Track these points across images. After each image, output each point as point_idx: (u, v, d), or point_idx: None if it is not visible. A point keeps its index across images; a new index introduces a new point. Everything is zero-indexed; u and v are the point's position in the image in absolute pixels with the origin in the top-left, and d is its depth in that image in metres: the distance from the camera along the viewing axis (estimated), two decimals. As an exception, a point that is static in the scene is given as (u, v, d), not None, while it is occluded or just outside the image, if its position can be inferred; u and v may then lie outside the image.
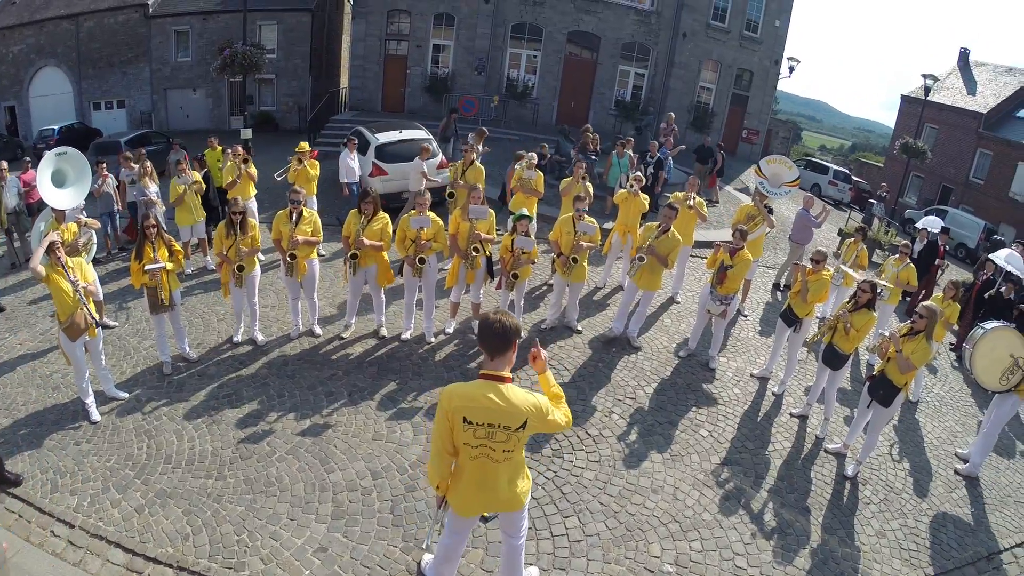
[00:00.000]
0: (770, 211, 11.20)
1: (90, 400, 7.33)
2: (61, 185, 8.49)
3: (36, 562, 5.55)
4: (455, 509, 4.50)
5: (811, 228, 12.33)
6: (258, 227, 8.68)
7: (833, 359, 7.91)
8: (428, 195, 8.70)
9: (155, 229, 7.69)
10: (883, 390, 7.16)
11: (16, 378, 8.08)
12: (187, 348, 8.54)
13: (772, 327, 11.01)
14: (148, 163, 11.78)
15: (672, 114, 20.42)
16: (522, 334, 4.21)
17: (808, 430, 8.38)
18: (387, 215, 8.67)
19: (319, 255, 11.71)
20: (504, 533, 4.86)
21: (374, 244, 8.40)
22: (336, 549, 5.81)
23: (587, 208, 9.17)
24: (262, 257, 11.67)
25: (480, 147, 14.21)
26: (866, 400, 7.49)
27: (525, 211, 9.20)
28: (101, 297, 9.14)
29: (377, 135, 14.83)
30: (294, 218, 8.37)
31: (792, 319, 8.69)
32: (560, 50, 27.07)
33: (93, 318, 6.92)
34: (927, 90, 29.36)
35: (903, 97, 39.75)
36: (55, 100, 28.15)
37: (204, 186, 11.42)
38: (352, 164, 13.19)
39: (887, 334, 7.24)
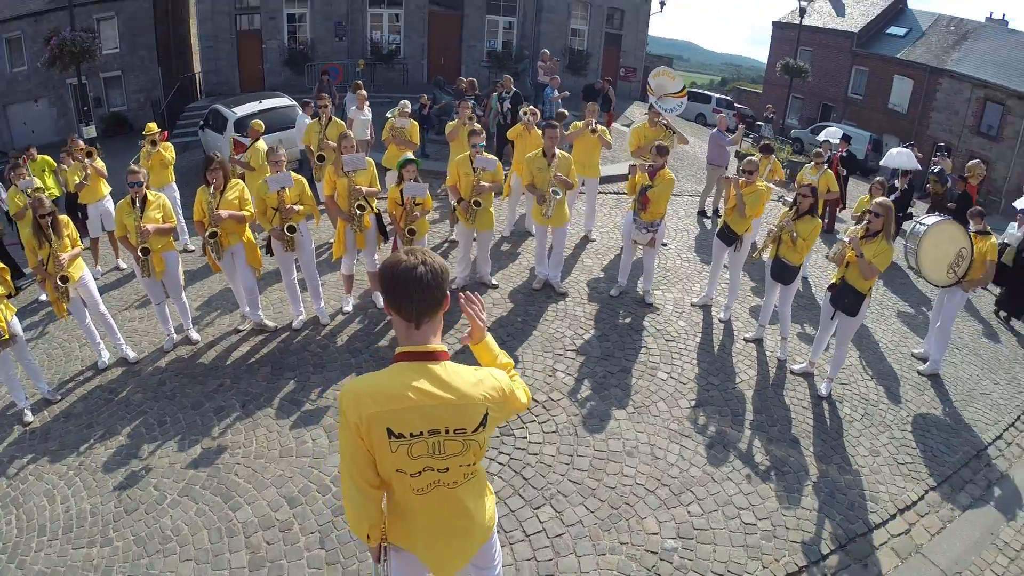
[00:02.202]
0: (671, 130, 10.44)
1: None
2: None
3: None
4: (432, 569, 3.03)
5: (726, 148, 12.00)
6: (72, 225, 7.19)
7: (783, 273, 7.24)
8: (282, 151, 7.35)
9: None
10: (847, 298, 6.58)
11: None
12: (46, 388, 7.14)
13: (699, 253, 10.45)
14: None
15: (546, 51, 19.58)
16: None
17: (767, 353, 7.67)
18: (240, 181, 7.35)
19: (187, 249, 10.39)
20: (475, 568, 3.26)
21: (234, 214, 7.07)
22: (262, 608, 4.58)
23: (483, 143, 8.02)
24: (125, 265, 10.25)
25: (363, 106, 12.70)
26: (829, 312, 6.89)
27: (411, 155, 7.95)
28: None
29: (234, 109, 13.34)
30: (137, 205, 6.93)
31: (731, 237, 7.89)
32: (423, 6, 25.67)
33: None
34: (803, 11, 29.85)
35: (775, 24, 40.51)
36: None
37: (53, 192, 9.72)
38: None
39: (846, 239, 6.62)
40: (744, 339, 7.91)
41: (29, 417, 6.86)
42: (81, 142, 10.13)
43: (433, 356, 2.63)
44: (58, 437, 6.57)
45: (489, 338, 3.05)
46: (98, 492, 5.78)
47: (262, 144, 9.81)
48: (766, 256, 7.50)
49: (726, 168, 12.05)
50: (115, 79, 26.98)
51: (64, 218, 7.01)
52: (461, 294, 3.00)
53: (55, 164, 11.04)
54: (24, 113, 26.66)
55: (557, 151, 7.99)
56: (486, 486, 3.09)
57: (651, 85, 11.85)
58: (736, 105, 33.48)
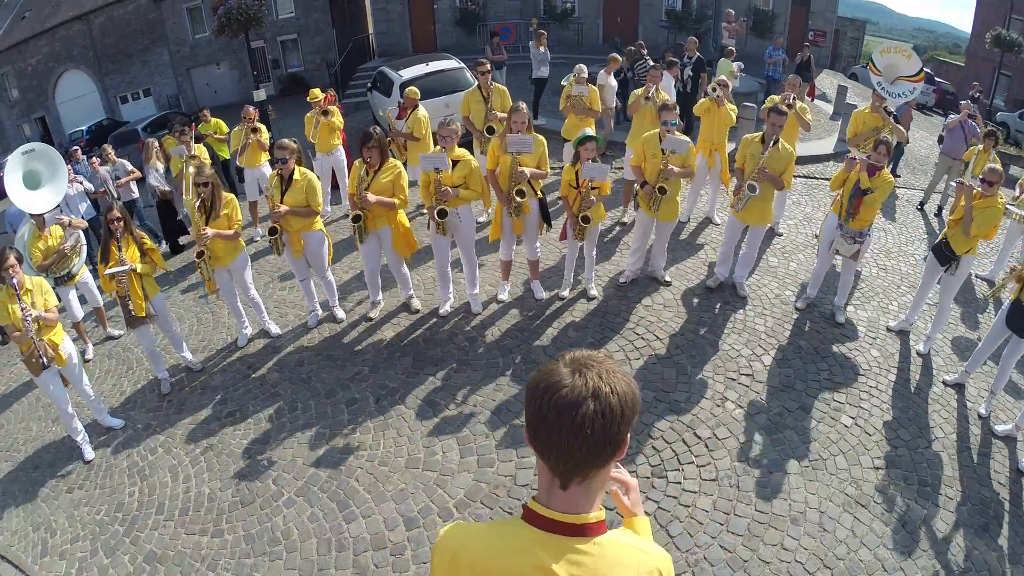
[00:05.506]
0: (894, 118, 8.69)
1: (80, 438, 6.21)
2: (36, 187, 7.22)
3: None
4: None
5: (963, 137, 10.31)
6: (236, 201, 6.81)
7: (1021, 321, 5.72)
8: (456, 125, 6.61)
9: (121, 223, 6.21)
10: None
11: (19, 412, 7.15)
12: (188, 356, 7.11)
13: (897, 260, 8.85)
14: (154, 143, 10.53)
15: (731, 11, 18.22)
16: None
17: (969, 405, 6.25)
18: (398, 163, 6.66)
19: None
20: None
21: (382, 200, 6.46)
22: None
23: (676, 121, 6.98)
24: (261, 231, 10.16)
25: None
26: None
27: (590, 131, 7.06)
28: (103, 302, 8.18)
29: (400, 72, 13.03)
30: (283, 182, 6.59)
31: (948, 256, 6.47)
32: (600, -39, 24.42)
33: (44, 352, 5.68)
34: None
35: (982, -14, 34.99)
36: (82, 102, 27.77)
37: (206, 160, 9.74)
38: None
39: None
40: (944, 382, 6.54)
41: (167, 388, 6.90)
42: (251, 110, 9.94)
43: (580, 531, 1.57)
44: (192, 410, 6.52)
45: (644, 519, 2.00)
46: (219, 477, 5.67)
47: (423, 111, 9.28)
48: (1006, 295, 6.06)
49: (963, 162, 10.26)
50: (292, 42, 28.02)
51: (228, 196, 6.71)
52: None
53: (227, 129, 11.19)
54: (207, 76, 28.46)
55: (784, 144, 6.90)
56: None
57: (876, 65, 9.95)
58: (936, 80, 29.41)
